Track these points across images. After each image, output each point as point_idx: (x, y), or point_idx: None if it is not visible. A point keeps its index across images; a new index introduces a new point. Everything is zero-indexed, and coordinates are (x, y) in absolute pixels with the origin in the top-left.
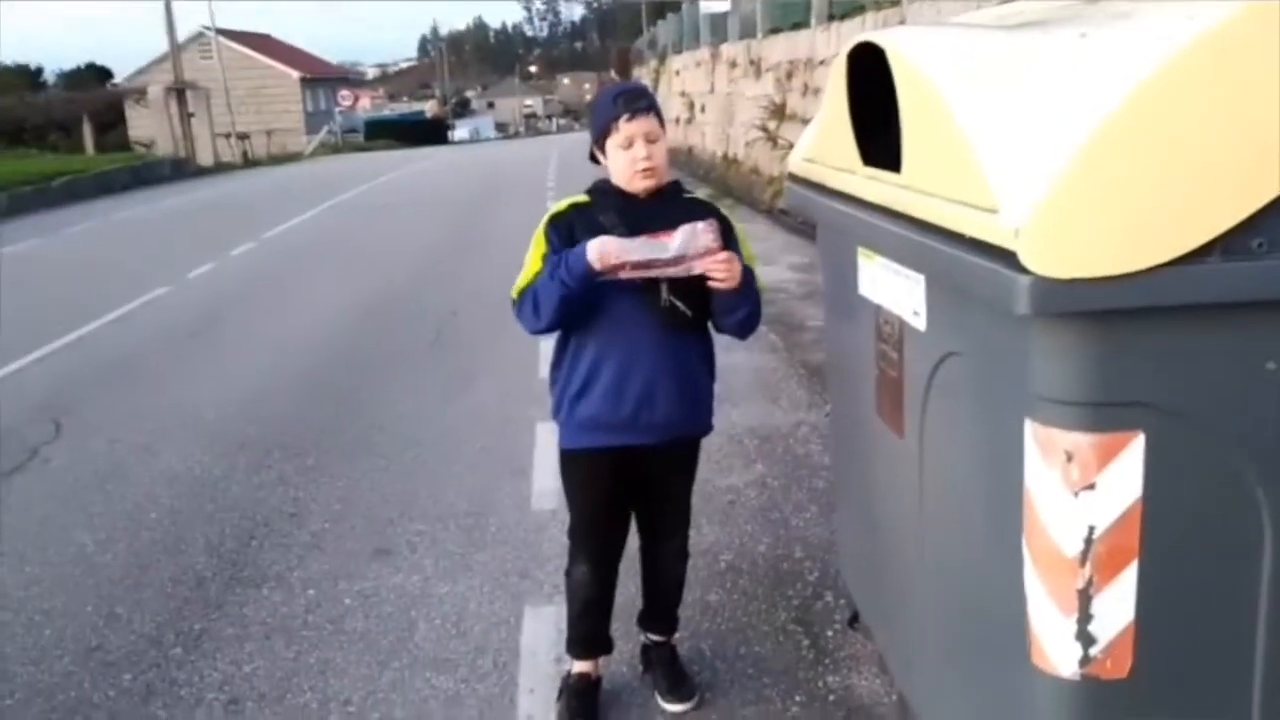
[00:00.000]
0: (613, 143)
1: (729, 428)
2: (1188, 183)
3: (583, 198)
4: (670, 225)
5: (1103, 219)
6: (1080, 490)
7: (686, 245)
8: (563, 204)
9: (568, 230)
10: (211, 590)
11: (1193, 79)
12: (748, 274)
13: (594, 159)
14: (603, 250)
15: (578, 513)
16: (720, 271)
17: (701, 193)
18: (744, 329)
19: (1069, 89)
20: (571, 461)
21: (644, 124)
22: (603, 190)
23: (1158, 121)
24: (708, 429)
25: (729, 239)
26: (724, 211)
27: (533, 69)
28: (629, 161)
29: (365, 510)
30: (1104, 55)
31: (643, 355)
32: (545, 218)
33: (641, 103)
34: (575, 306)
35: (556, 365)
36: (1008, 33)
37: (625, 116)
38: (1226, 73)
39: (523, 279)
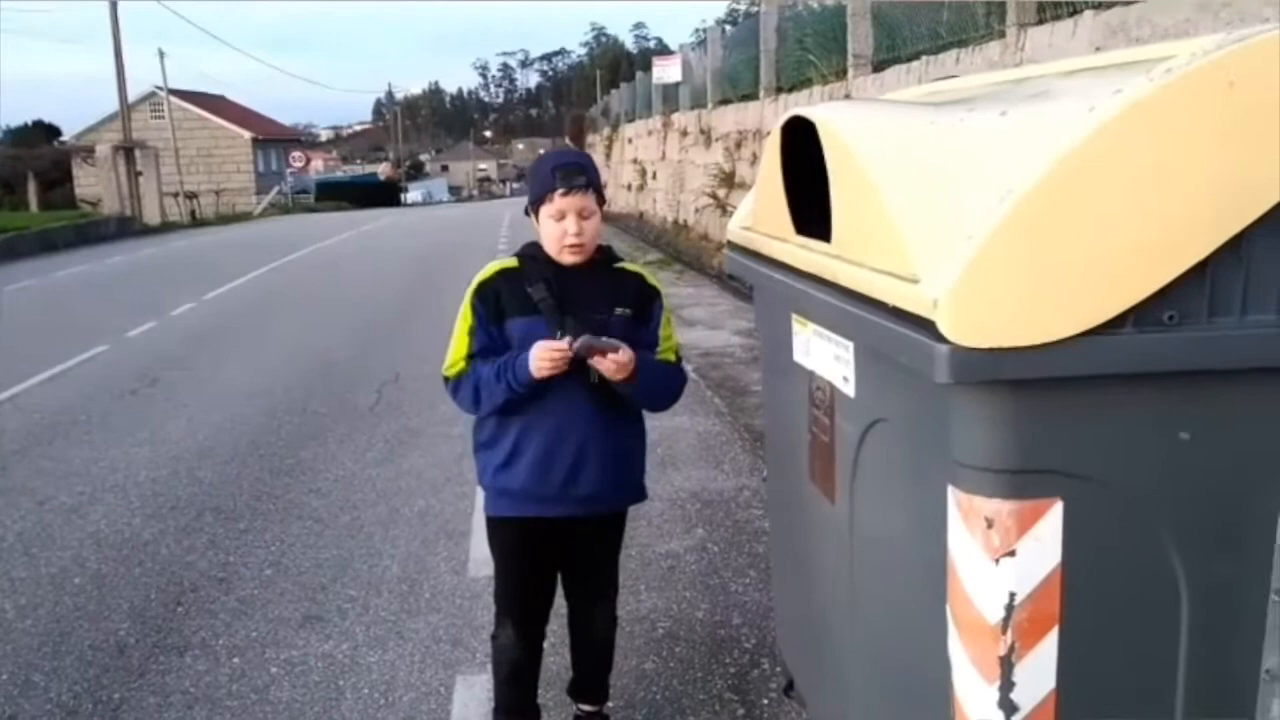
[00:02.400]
0: (545, 211)
1: (671, 492)
2: (1101, 256)
3: (511, 261)
4: (600, 296)
5: (1019, 290)
6: (1001, 557)
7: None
8: (489, 270)
9: (494, 299)
10: (134, 658)
11: (1104, 156)
12: (646, 364)
13: (529, 214)
14: (543, 361)
15: (503, 577)
16: (611, 368)
17: (652, 257)
18: (647, 406)
19: (987, 164)
20: (497, 527)
21: (578, 200)
22: (532, 256)
23: (1071, 196)
24: (638, 498)
25: (651, 312)
26: (653, 282)
27: (488, 133)
28: (558, 234)
29: (297, 575)
30: (1021, 132)
31: (571, 430)
32: (471, 286)
33: (579, 180)
34: (519, 402)
35: (479, 430)
36: (934, 109)
37: (560, 191)
38: (1138, 150)
39: (453, 355)
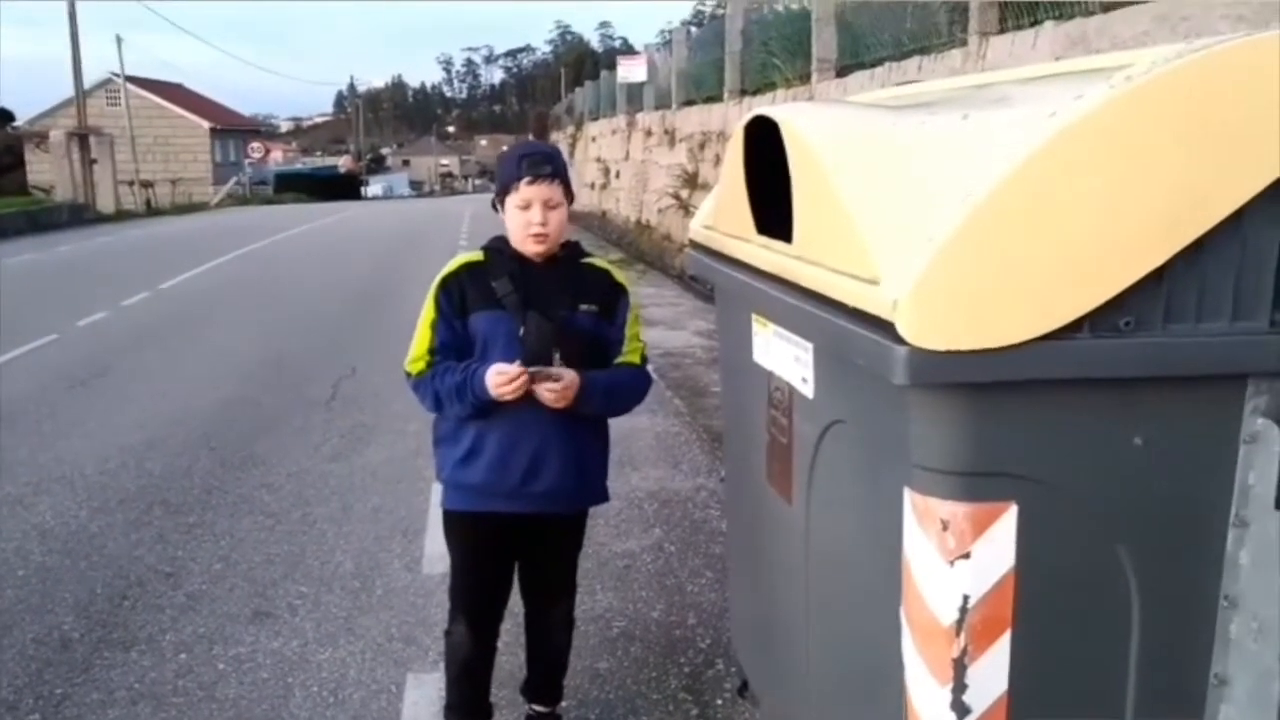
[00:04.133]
0: (511, 201)
1: (629, 491)
2: (1060, 261)
3: (476, 255)
4: (564, 292)
5: (978, 293)
6: (955, 559)
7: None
8: (455, 263)
9: (459, 293)
10: (78, 653)
11: (1064, 162)
12: (593, 388)
13: (495, 208)
14: (499, 389)
15: (459, 572)
16: (549, 397)
17: (614, 256)
18: (609, 415)
19: (948, 167)
20: (454, 521)
21: (544, 190)
22: (499, 250)
23: (1031, 201)
24: (599, 500)
25: (617, 310)
26: (620, 279)
27: (450, 129)
28: (523, 224)
29: (247, 570)
30: (983, 136)
31: (530, 426)
32: (436, 280)
33: (545, 169)
34: (482, 411)
35: (439, 424)
36: (896, 112)
37: (526, 180)
38: (1097, 156)
39: (415, 350)
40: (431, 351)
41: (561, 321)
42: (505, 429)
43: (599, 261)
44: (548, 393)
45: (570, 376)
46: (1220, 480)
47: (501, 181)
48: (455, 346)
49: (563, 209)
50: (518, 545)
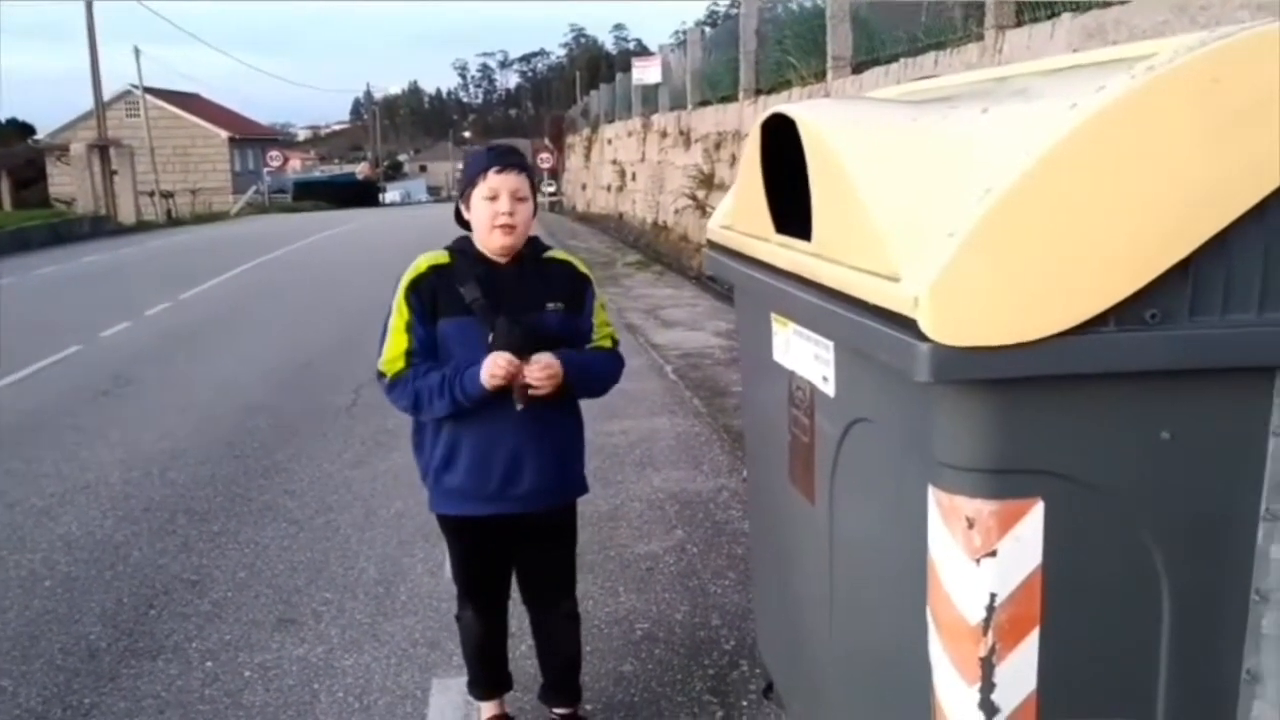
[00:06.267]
0: (478, 193)
1: (650, 493)
2: (1083, 254)
3: (442, 256)
4: (531, 293)
5: (1000, 288)
6: (982, 557)
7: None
8: (421, 264)
9: (429, 297)
10: (104, 662)
11: (1086, 153)
12: (571, 364)
13: (459, 218)
14: (493, 375)
15: (457, 566)
16: (539, 382)
17: (631, 258)
18: (586, 395)
19: (969, 161)
20: (443, 524)
21: (512, 180)
22: (463, 251)
23: (1053, 194)
24: (580, 491)
25: (584, 301)
26: (583, 269)
27: (467, 134)
28: (490, 214)
29: (271, 578)
30: (1003, 130)
31: (506, 428)
32: (404, 281)
33: (513, 158)
34: (462, 412)
35: (419, 431)
36: (914, 107)
37: (495, 169)
38: (1120, 147)
39: (390, 351)
40: (409, 353)
41: (530, 325)
42: (482, 431)
43: (560, 254)
44: (540, 371)
45: (549, 357)
46: (1250, 473)
47: (469, 174)
48: (428, 349)
49: (529, 204)
50: (508, 545)
